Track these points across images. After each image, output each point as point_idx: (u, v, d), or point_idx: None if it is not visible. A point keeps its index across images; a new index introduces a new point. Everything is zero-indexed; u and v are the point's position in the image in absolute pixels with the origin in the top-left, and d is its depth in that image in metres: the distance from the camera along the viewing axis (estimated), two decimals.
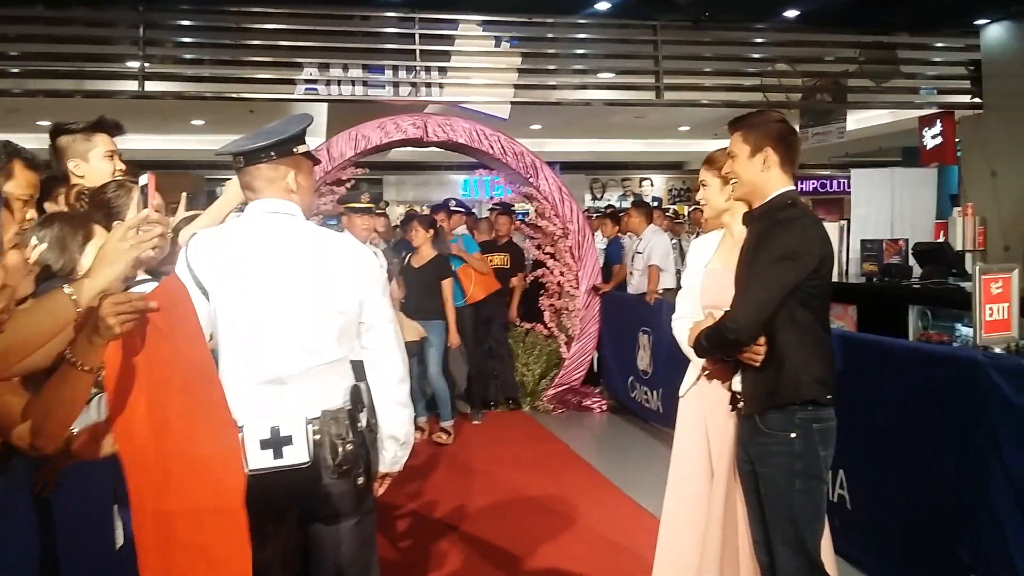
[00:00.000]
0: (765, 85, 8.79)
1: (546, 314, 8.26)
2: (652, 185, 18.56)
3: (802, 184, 16.40)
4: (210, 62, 7.79)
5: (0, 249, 1.79)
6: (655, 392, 6.90)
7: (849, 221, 8.98)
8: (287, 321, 2.31)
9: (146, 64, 7.52)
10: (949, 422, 3.45)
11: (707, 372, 3.16)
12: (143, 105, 8.54)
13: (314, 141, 7.82)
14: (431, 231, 6.85)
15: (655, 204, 13.77)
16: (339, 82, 7.89)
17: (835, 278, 2.93)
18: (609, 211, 10.84)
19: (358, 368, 2.46)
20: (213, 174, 13.76)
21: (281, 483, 2.26)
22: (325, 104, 9.67)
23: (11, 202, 1.96)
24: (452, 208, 8.10)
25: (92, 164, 3.03)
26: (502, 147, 7.85)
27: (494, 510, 5.20)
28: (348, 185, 7.72)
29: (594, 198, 18.11)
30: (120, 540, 2.46)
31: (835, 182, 16.91)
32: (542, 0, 7.88)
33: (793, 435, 2.67)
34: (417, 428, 6.70)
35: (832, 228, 6.39)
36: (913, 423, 3.65)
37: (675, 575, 3.28)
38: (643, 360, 7.17)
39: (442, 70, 8.12)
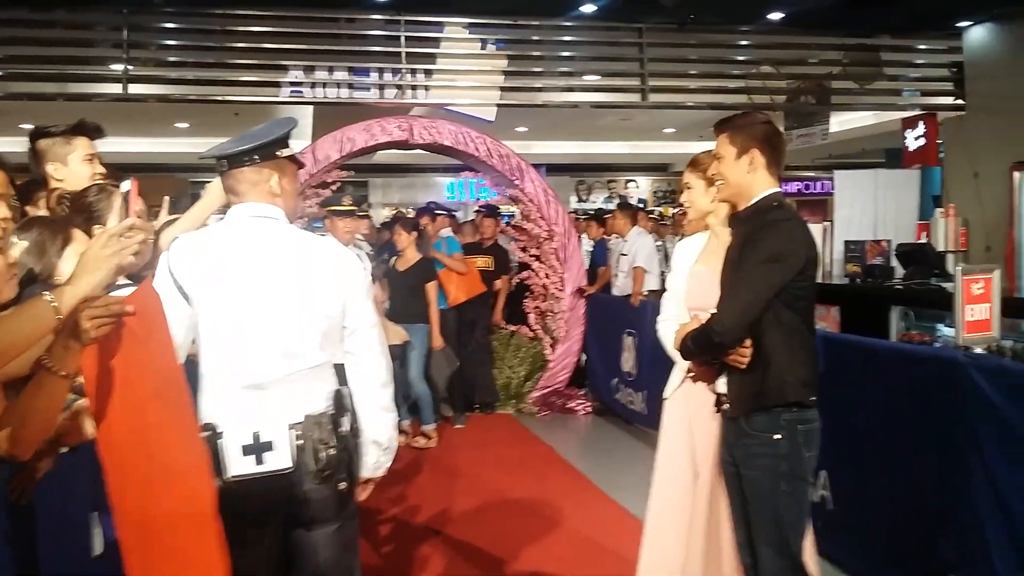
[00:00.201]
0: (749, 87, 8.84)
1: (531, 316, 8.26)
2: (637, 187, 18.58)
3: (786, 185, 16.36)
4: (194, 65, 7.76)
5: None
6: (640, 394, 6.91)
7: (832, 222, 9.01)
8: (269, 325, 2.30)
9: (130, 67, 7.49)
10: (931, 422, 3.47)
11: (692, 374, 3.16)
12: (127, 108, 8.51)
13: (299, 143, 7.81)
14: (414, 234, 6.83)
15: (640, 206, 13.81)
16: (324, 84, 7.88)
17: (818, 279, 2.93)
18: (596, 213, 10.86)
19: (341, 372, 2.45)
20: (197, 177, 13.69)
21: (263, 489, 2.25)
22: (310, 106, 9.65)
23: None
24: (435, 211, 8.10)
25: (71, 168, 3.00)
26: (488, 149, 7.85)
27: (478, 513, 5.20)
28: (334, 188, 7.70)
29: (580, 200, 18.12)
30: (99, 548, 2.44)
31: (819, 183, 16.98)
32: (528, 2, 7.89)
33: (778, 436, 2.68)
34: (400, 432, 6.69)
35: (816, 229, 6.41)
36: (895, 423, 3.67)
37: None
38: (628, 362, 7.18)
39: (428, 72, 8.13)
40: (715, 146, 2.87)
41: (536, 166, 8.44)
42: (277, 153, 2.40)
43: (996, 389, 3.14)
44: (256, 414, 2.27)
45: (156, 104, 8.38)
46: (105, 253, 1.83)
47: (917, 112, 9.54)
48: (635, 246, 7.48)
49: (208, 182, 2.93)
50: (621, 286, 7.63)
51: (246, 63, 7.80)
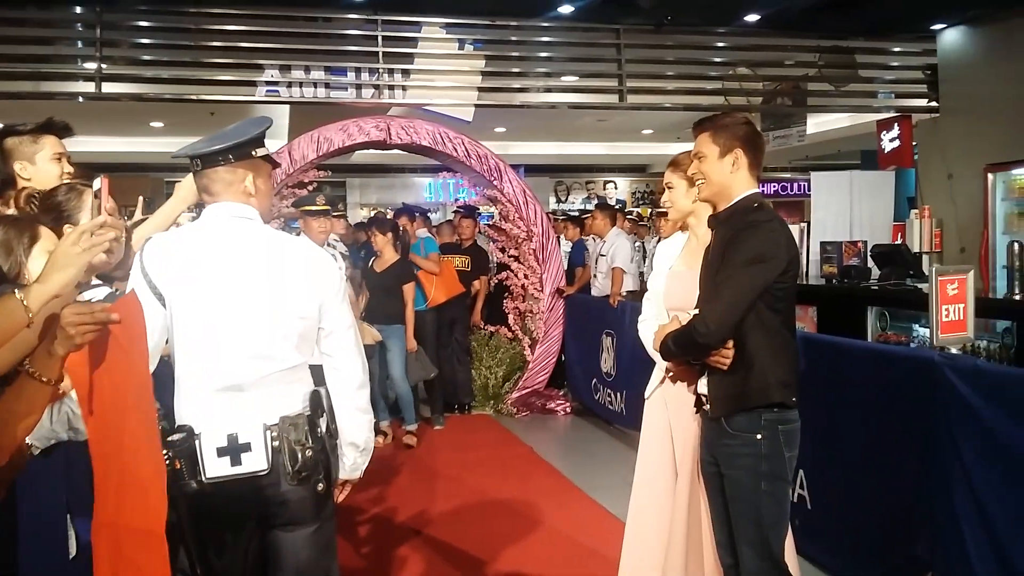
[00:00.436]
0: (726, 89, 8.88)
1: (510, 317, 8.25)
2: (616, 188, 18.61)
3: (763, 187, 16.51)
4: (169, 63, 7.69)
5: None
6: (618, 394, 6.92)
7: (809, 223, 9.07)
8: (243, 327, 2.27)
9: (103, 65, 7.40)
10: (907, 422, 3.49)
11: (670, 374, 3.16)
12: (101, 107, 8.41)
13: (275, 143, 7.76)
14: (390, 235, 6.79)
15: (619, 206, 13.82)
16: (301, 84, 7.84)
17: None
18: (577, 213, 10.87)
19: (317, 373, 2.43)
20: (173, 177, 13.49)
21: (239, 491, 2.23)
22: (287, 106, 9.59)
23: None
24: (414, 212, 8.08)
25: (39, 167, 2.95)
26: (466, 150, 7.83)
27: (458, 514, 5.18)
28: (311, 188, 7.66)
29: (558, 201, 18.12)
30: (73, 550, 2.41)
31: (795, 184, 17.09)
32: (505, 3, 7.88)
33: (759, 436, 2.68)
34: (380, 432, 6.66)
35: (793, 230, 6.46)
36: (872, 423, 3.70)
37: None
38: (607, 362, 7.19)
39: (405, 72, 8.10)
40: (695, 145, 2.86)
41: (515, 167, 8.44)
42: (252, 153, 2.38)
43: (972, 389, 3.16)
44: (231, 416, 2.24)
45: (130, 103, 8.28)
46: (75, 251, 1.80)
47: (892, 114, 9.63)
48: (614, 247, 7.48)
49: None
50: (600, 287, 7.64)
51: (222, 62, 7.74)
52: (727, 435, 2.73)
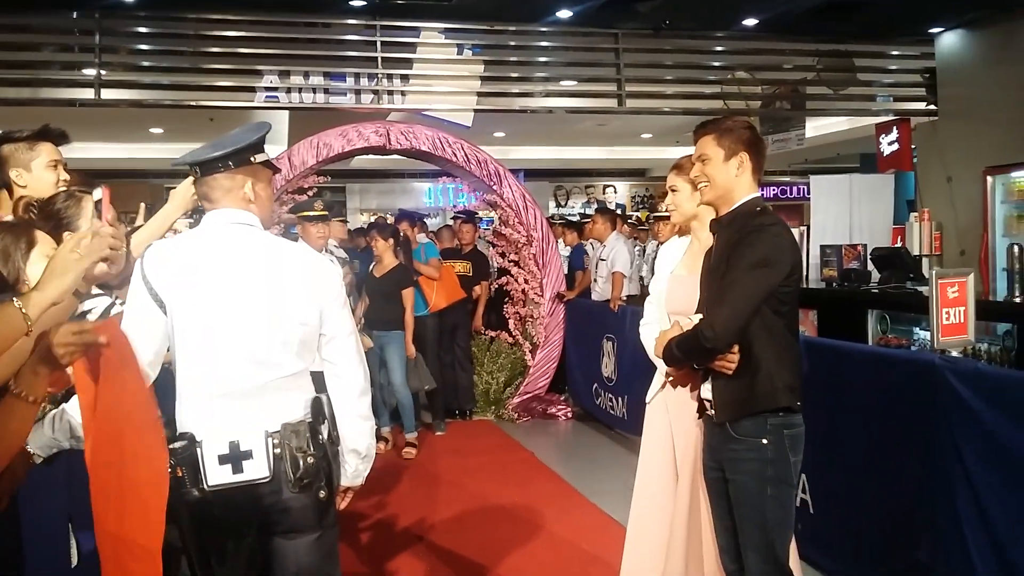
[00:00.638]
0: (725, 93, 8.89)
1: (511, 322, 8.25)
2: (616, 192, 18.62)
3: (762, 190, 16.54)
4: (168, 70, 7.69)
5: None
6: (620, 399, 6.91)
7: (809, 227, 9.07)
8: (243, 333, 2.27)
9: (103, 72, 7.41)
10: (909, 425, 3.49)
11: (671, 379, 3.16)
12: (100, 113, 8.42)
13: (275, 149, 7.76)
14: (391, 240, 6.79)
15: (619, 211, 13.82)
16: (300, 90, 7.85)
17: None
18: (577, 219, 10.87)
19: (318, 380, 2.43)
20: (172, 183, 13.37)
21: (241, 498, 2.23)
22: (286, 111, 9.59)
23: None
24: (415, 217, 8.09)
25: (35, 174, 2.95)
26: (465, 155, 7.84)
27: (459, 520, 5.17)
28: (310, 193, 7.66)
29: (558, 205, 18.13)
30: (75, 559, 2.40)
31: (795, 188, 17.10)
32: (504, 8, 7.89)
33: (765, 441, 2.67)
34: (381, 439, 6.65)
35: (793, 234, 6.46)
36: (874, 427, 3.69)
37: None
38: (607, 367, 7.18)
39: (404, 78, 8.11)
40: (697, 148, 2.85)
41: (514, 171, 8.45)
42: (251, 159, 2.38)
43: (972, 392, 3.16)
44: (233, 423, 2.24)
45: (130, 109, 8.29)
46: (73, 257, 1.80)
47: (891, 117, 9.63)
48: (614, 251, 7.49)
49: None
50: (600, 291, 7.64)
51: (221, 68, 7.75)
52: (732, 440, 2.72)
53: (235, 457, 2.22)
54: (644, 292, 4.92)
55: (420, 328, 6.98)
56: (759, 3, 7.97)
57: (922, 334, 5.83)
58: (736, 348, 2.66)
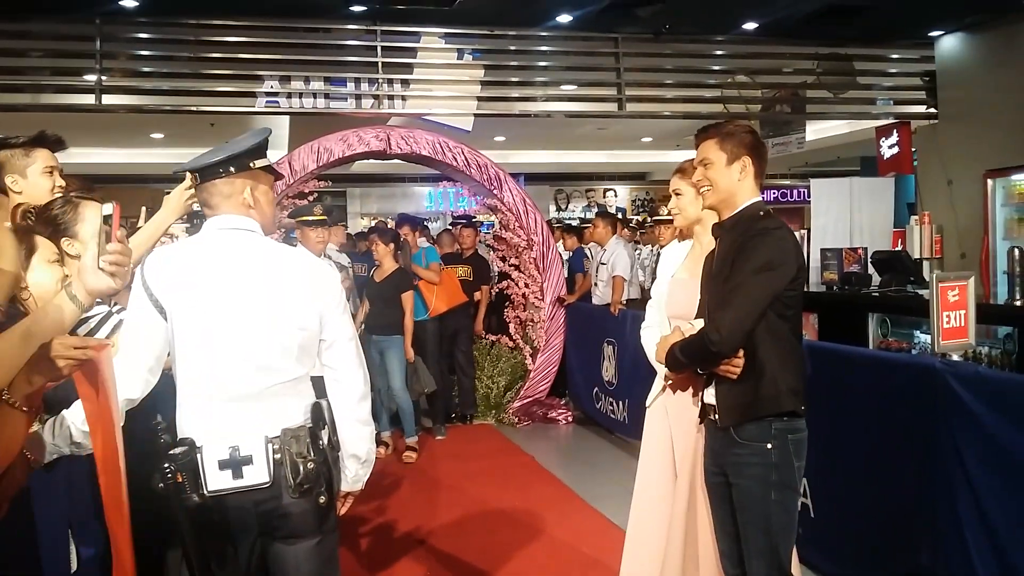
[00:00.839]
0: (725, 96, 8.89)
1: (511, 326, 8.25)
2: (616, 196, 18.65)
3: (763, 194, 16.57)
4: (169, 75, 7.71)
5: None
6: (620, 403, 6.91)
7: (809, 230, 9.07)
8: (243, 339, 2.27)
9: (103, 77, 7.42)
10: (910, 429, 3.49)
11: (670, 383, 3.16)
12: (101, 119, 8.43)
13: (276, 153, 7.75)
14: (391, 245, 6.79)
15: (619, 214, 13.84)
16: (301, 95, 7.86)
17: None
18: (577, 223, 10.87)
19: (318, 385, 2.43)
20: (173, 188, 13.55)
21: (241, 504, 2.23)
22: (287, 116, 9.61)
23: None
24: (416, 222, 8.08)
25: (30, 180, 2.94)
26: (466, 159, 7.84)
27: (461, 525, 5.17)
28: (311, 198, 7.67)
29: (558, 209, 18.17)
30: (74, 565, 2.40)
31: (795, 191, 17.12)
32: (504, 13, 7.90)
33: (769, 446, 2.66)
34: (381, 443, 6.65)
35: None
36: (875, 431, 3.69)
37: None
38: (608, 371, 7.18)
39: (405, 82, 8.12)
40: (699, 152, 2.85)
41: (514, 175, 8.45)
42: (251, 164, 2.38)
43: (973, 396, 3.16)
44: (233, 428, 2.24)
45: (131, 115, 8.30)
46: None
47: (891, 120, 9.65)
48: (614, 255, 7.49)
49: None
50: (601, 295, 7.63)
51: (221, 73, 7.76)
52: (736, 444, 2.71)
53: (235, 463, 2.21)
54: (645, 296, 4.92)
55: (420, 332, 6.98)
56: (759, 7, 7.99)
57: (923, 337, 5.83)
58: (741, 352, 2.65)
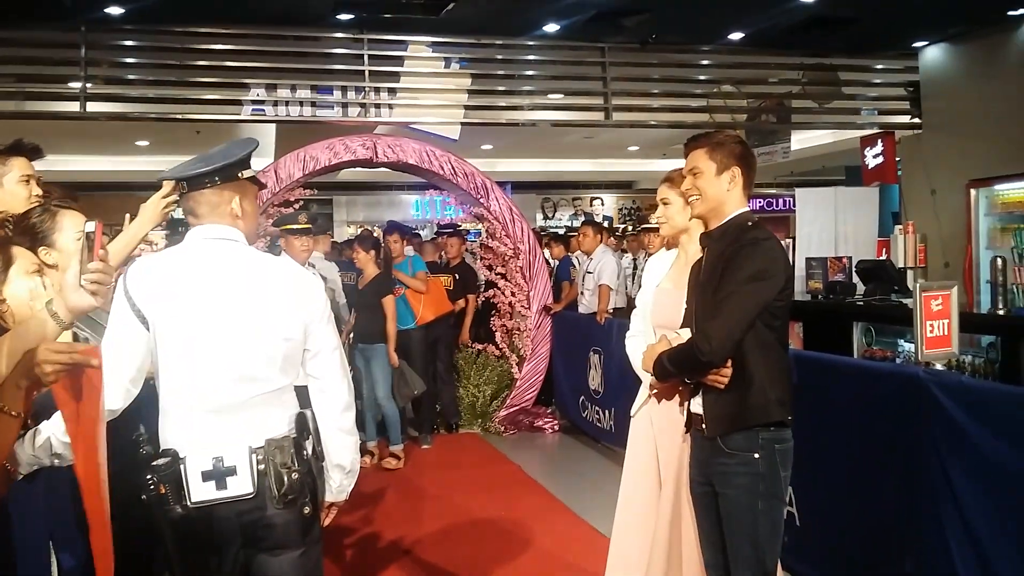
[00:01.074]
0: (711, 106, 8.94)
1: (497, 334, 8.24)
2: (603, 204, 18.69)
3: (749, 203, 16.64)
4: (154, 83, 7.67)
5: None
6: (606, 412, 6.91)
7: (794, 239, 9.11)
8: (226, 349, 2.26)
9: (88, 84, 7.39)
10: (894, 438, 3.50)
11: (655, 392, 3.16)
12: (86, 126, 8.39)
13: (262, 162, 7.76)
14: (372, 251, 6.78)
15: (606, 223, 13.88)
16: (287, 103, 7.85)
17: None
18: (564, 232, 10.89)
19: (303, 395, 2.42)
20: None
21: (224, 515, 2.21)
22: (273, 125, 9.59)
23: None
24: (404, 231, 8.07)
25: (6, 188, 2.92)
26: (452, 168, 7.84)
27: (447, 534, 5.15)
28: (297, 206, 7.65)
29: (545, 217, 18.19)
30: None
31: (780, 200, 17.20)
32: (491, 22, 7.91)
33: (756, 456, 2.66)
34: (367, 452, 6.62)
35: None
36: (859, 439, 3.70)
37: None
38: (594, 380, 7.18)
39: (391, 91, 8.12)
40: (688, 161, 2.85)
41: (501, 184, 8.46)
42: (238, 175, 2.37)
43: (956, 405, 3.17)
44: (216, 439, 2.22)
45: (116, 122, 8.26)
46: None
47: (875, 130, 9.71)
48: (600, 264, 7.50)
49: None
50: (587, 304, 7.64)
51: (207, 81, 7.73)
52: (723, 454, 2.71)
53: (219, 473, 2.20)
54: (631, 305, 4.92)
55: (407, 341, 6.97)
56: (744, 18, 8.03)
57: (907, 346, 5.86)
58: (729, 362, 2.65)
